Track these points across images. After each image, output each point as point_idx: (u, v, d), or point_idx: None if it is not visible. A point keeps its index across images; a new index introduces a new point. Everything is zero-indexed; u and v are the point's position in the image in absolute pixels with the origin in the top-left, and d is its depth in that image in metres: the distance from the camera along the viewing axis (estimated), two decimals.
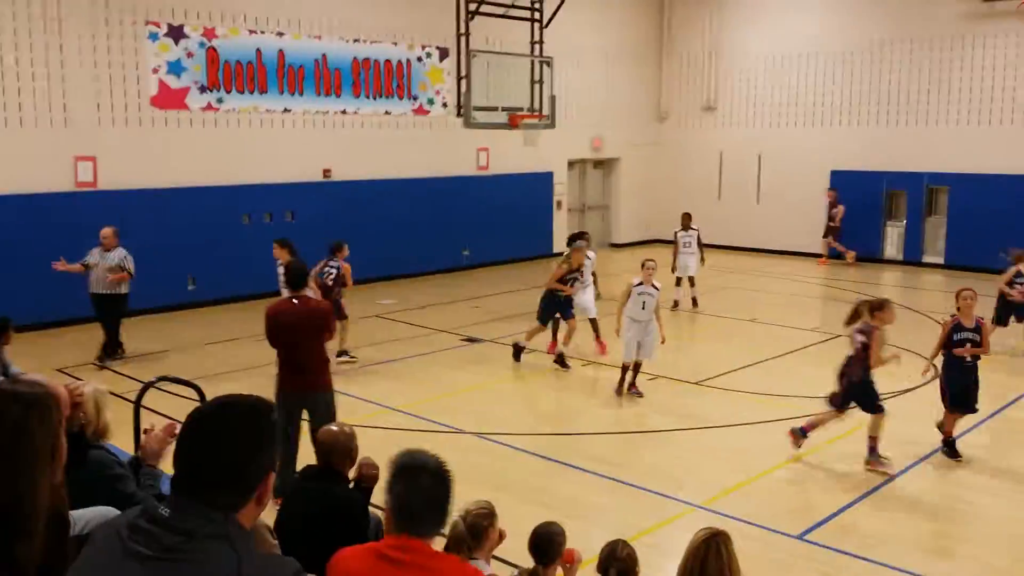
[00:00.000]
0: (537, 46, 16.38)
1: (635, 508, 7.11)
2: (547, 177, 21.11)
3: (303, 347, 6.90)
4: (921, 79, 19.26)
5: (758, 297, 16.58)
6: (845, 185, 20.39)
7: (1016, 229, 18.06)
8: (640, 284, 9.78)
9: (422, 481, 2.75)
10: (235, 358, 11.78)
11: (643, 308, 9.76)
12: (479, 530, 3.88)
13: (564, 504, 6.77)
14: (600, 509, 7.07)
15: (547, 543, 4.17)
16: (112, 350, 11.51)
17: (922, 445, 8.40)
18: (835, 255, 19.97)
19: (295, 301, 7.03)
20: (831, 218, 19.99)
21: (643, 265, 9.97)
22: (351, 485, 4.60)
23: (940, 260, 19.37)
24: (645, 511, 7.03)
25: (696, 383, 10.61)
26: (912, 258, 19.75)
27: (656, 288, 9.88)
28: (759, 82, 21.84)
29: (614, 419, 9.37)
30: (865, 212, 20.19)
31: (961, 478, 7.71)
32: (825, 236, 20.07)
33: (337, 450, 4.51)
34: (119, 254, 11.35)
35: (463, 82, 14.64)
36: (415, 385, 10.61)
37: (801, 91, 21.11)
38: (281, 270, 10.44)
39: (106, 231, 11.43)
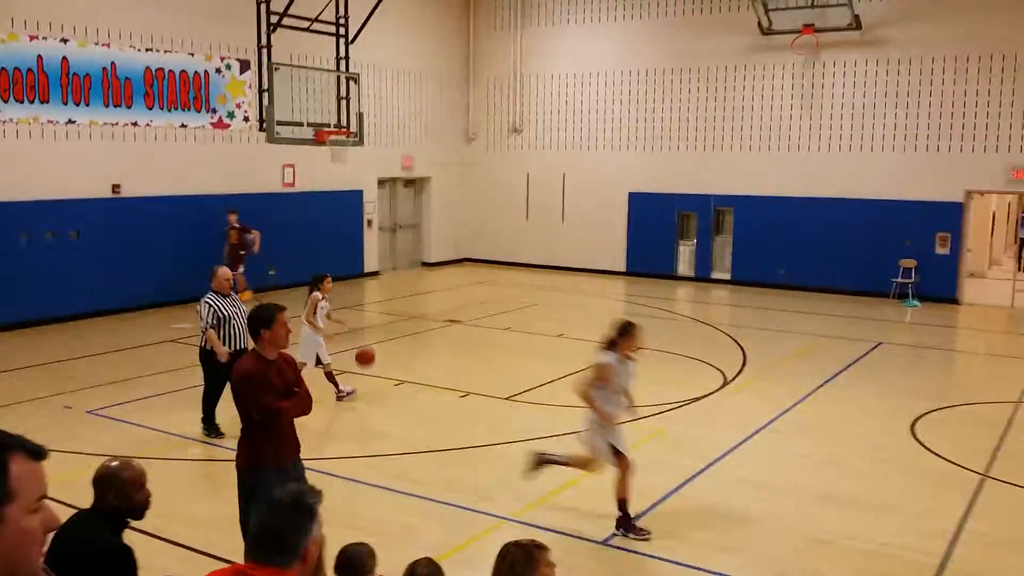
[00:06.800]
0: (343, 62, 16.21)
1: (446, 525, 7.10)
2: (357, 195, 20.87)
3: None
4: (708, 107, 20.67)
5: (565, 313, 17.12)
6: (642, 206, 21.52)
7: (792, 246, 19.76)
8: None
9: (261, 510, 2.78)
10: (9, 391, 10.78)
11: None
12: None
13: (374, 527, 6.66)
14: (411, 529, 7.01)
15: (354, 563, 4.09)
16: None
17: (716, 447, 8.94)
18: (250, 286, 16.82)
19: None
20: (244, 246, 16.88)
21: None
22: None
23: (727, 276, 20.80)
24: (456, 528, 7.04)
25: (507, 398, 10.78)
26: (702, 275, 21.09)
27: None
28: (562, 107, 22.67)
29: (424, 438, 9.34)
30: (660, 232, 21.39)
31: (751, 478, 8.25)
32: (230, 266, 16.39)
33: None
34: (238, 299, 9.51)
35: (265, 96, 14.24)
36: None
37: (600, 116, 22.09)
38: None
39: (229, 273, 9.40)
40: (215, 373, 9.04)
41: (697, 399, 10.81)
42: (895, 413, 10.30)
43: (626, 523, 6.91)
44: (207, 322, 9.03)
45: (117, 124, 15.83)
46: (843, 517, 7.37)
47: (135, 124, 16.11)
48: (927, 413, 10.34)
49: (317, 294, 10.46)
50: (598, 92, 22.07)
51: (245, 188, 18.03)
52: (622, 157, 21.85)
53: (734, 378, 11.91)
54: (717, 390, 11.31)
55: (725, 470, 8.46)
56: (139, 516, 4.12)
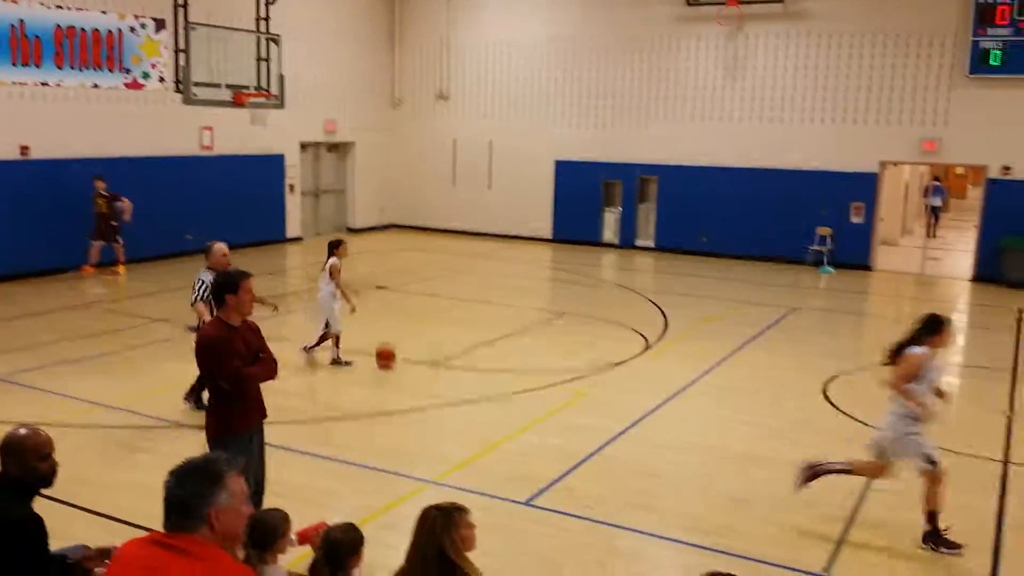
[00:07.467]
0: (263, 22, 15.78)
1: (369, 490, 7.10)
2: (278, 160, 20.44)
3: None
4: (634, 77, 20.78)
5: (491, 280, 17.15)
6: (568, 174, 21.60)
7: (714, 215, 20.12)
8: None
9: (168, 477, 2.77)
10: None
11: None
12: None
13: (294, 492, 6.60)
14: (332, 494, 6.99)
15: (265, 527, 4.07)
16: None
17: (636, 409, 9.11)
18: (111, 261, 16.08)
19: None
20: (114, 215, 15.73)
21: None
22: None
23: (651, 243, 21.09)
24: (379, 492, 7.04)
25: (434, 363, 10.78)
26: (627, 242, 21.33)
27: None
28: (490, 74, 22.51)
29: (348, 403, 9.29)
30: (586, 200, 21.53)
31: (671, 440, 8.45)
32: (101, 238, 15.80)
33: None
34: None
35: (182, 56, 13.79)
36: (131, 379, 9.87)
37: (528, 84, 22.02)
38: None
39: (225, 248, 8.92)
40: None
41: (619, 363, 10.98)
42: (808, 375, 10.64)
43: (936, 537, 6.36)
44: (198, 297, 8.74)
45: (26, 84, 15.14)
46: (758, 475, 7.62)
47: (45, 84, 15.43)
48: (839, 375, 10.71)
49: (336, 261, 10.44)
50: (525, 60, 21.98)
51: (161, 151, 17.49)
52: (549, 125, 21.85)
53: (656, 342, 12.13)
54: (639, 354, 11.51)
55: (645, 432, 8.64)
56: (47, 484, 4.00)
